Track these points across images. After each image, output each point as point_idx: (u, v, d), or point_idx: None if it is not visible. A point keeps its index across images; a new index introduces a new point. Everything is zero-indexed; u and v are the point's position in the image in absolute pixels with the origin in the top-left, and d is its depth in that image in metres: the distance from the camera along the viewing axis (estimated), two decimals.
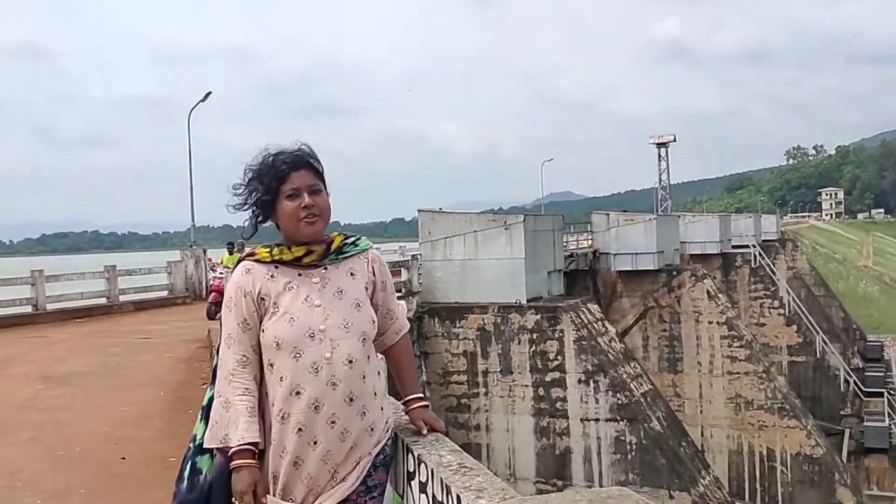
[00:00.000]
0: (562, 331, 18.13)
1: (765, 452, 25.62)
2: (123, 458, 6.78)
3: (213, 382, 2.57)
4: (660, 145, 71.57)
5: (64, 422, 8.16)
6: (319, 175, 2.58)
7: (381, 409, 2.57)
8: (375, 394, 2.52)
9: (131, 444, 7.21)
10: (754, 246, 36.59)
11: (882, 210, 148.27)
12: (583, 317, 18.56)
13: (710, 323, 26.94)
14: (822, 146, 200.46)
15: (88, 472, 6.37)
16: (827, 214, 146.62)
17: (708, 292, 27.10)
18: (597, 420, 17.72)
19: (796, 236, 68.78)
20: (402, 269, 21.32)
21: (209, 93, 27.84)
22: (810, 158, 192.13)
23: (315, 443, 2.40)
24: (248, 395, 2.44)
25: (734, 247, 37.48)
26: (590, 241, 28.37)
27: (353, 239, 2.66)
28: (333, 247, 2.57)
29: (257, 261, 2.55)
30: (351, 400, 2.44)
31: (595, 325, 18.70)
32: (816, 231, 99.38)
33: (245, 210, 2.61)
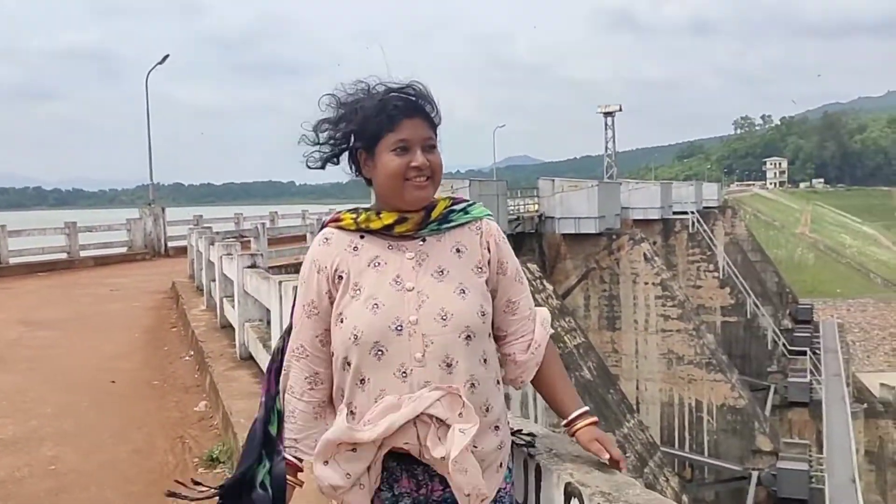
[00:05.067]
0: None
1: (693, 404, 27.49)
2: (113, 382, 7.90)
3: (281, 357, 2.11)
4: (606, 114, 73.24)
5: (54, 356, 9.21)
6: (435, 125, 2.00)
7: (497, 428, 1.95)
8: (487, 410, 1.91)
9: (118, 372, 8.32)
10: (693, 213, 38.21)
11: (822, 180, 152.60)
12: None
13: (647, 284, 28.52)
14: (769, 116, 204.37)
15: (85, 392, 7.48)
16: (771, 183, 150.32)
17: (645, 255, 28.65)
18: None
19: (740, 204, 71.15)
20: None
21: (167, 55, 28.27)
22: (757, 128, 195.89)
23: None
24: (299, 399, 2.03)
25: (675, 213, 38.91)
26: (536, 206, 29.64)
27: (463, 205, 2.05)
28: (435, 213, 1.99)
29: (340, 227, 2.01)
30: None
31: (534, 282, 20.09)
32: (760, 199, 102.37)
33: (333, 162, 2.06)
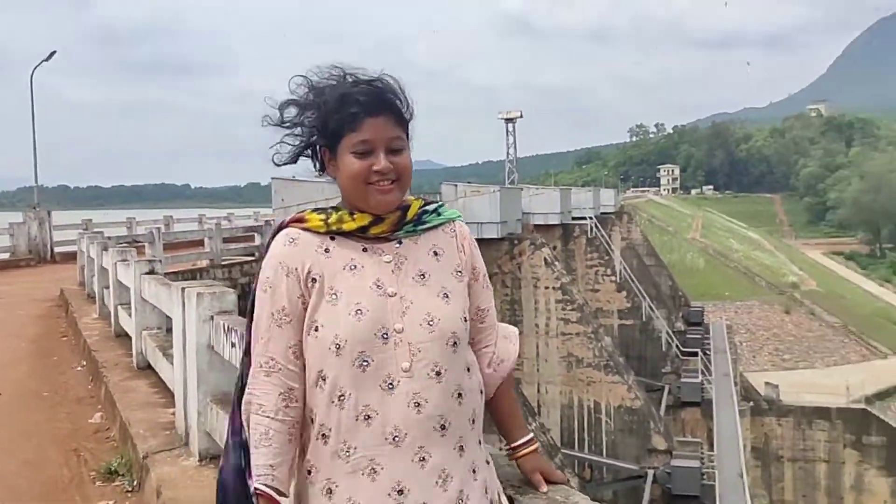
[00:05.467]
0: None
1: (592, 405, 28.13)
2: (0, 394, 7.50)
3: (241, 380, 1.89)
4: (507, 120, 74.27)
5: None
6: (404, 122, 1.85)
7: (480, 443, 1.86)
8: (474, 421, 1.82)
9: (4, 383, 7.90)
10: (591, 218, 39.16)
11: (712, 187, 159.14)
12: None
13: (547, 288, 29.06)
14: (662, 124, 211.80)
15: None
16: (665, 190, 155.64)
17: (545, 260, 29.18)
18: None
19: (636, 210, 73.27)
20: (256, 234, 21.98)
21: (54, 52, 27.15)
22: (651, 136, 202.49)
23: (400, 492, 1.68)
24: (271, 419, 1.76)
25: (574, 218, 39.78)
26: None
27: (434, 206, 1.94)
28: (410, 214, 1.87)
29: (307, 229, 1.83)
30: (443, 427, 1.73)
31: None
32: (654, 205, 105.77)
33: (306, 155, 1.91)
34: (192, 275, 15.43)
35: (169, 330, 6.47)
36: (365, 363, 1.69)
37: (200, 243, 19.82)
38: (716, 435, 31.89)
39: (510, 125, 74.19)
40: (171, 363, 5.59)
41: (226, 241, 19.50)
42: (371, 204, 1.80)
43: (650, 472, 26.49)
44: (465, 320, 1.82)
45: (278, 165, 1.90)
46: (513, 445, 2.03)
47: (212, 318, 4.33)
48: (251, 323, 1.85)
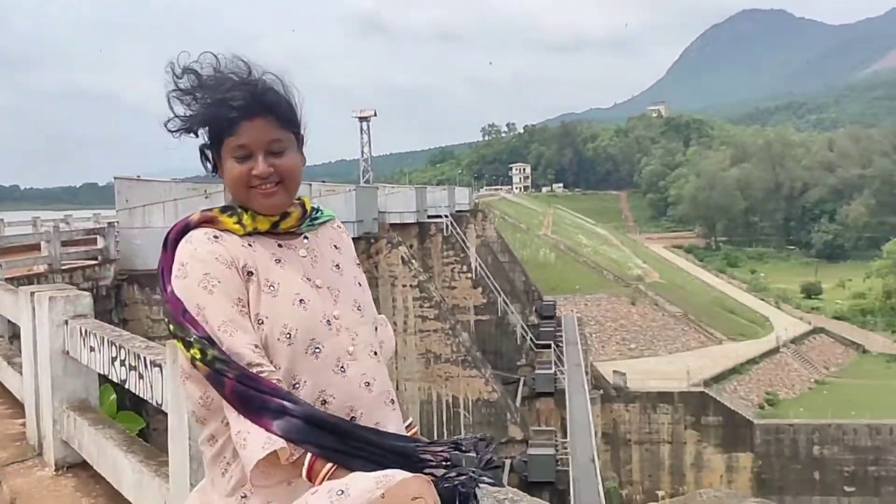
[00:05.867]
0: None
1: (450, 400, 28.68)
2: None
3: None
4: (362, 119, 74.13)
5: None
6: (286, 122, 1.82)
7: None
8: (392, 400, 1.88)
9: None
10: (447, 216, 39.72)
11: (562, 184, 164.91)
12: None
13: (405, 286, 29.34)
14: (513, 124, 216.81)
15: None
16: (516, 188, 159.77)
17: (402, 258, 29.45)
18: None
19: (489, 208, 74.80)
20: (99, 236, 21.00)
21: None
22: (503, 135, 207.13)
23: None
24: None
25: (430, 217, 40.13)
26: None
27: (315, 205, 1.97)
28: (308, 209, 1.91)
29: (223, 230, 1.79)
30: (392, 402, 1.84)
31: None
32: (507, 203, 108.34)
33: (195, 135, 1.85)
34: (28, 281, 14.66)
35: (15, 337, 6.20)
36: (317, 350, 1.73)
37: (37, 247, 18.77)
38: (569, 423, 33.25)
39: (364, 124, 74.15)
40: (20, 372, 5.38)
41: (65, 244, 18.57)
42: (256, 208, 1.79)
43: (507, 462, 27.29)
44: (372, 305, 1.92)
45: (172, 132, 1.82)
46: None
47: (66, 322, 4.23)
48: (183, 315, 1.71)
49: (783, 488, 44.41)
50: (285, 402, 1.64)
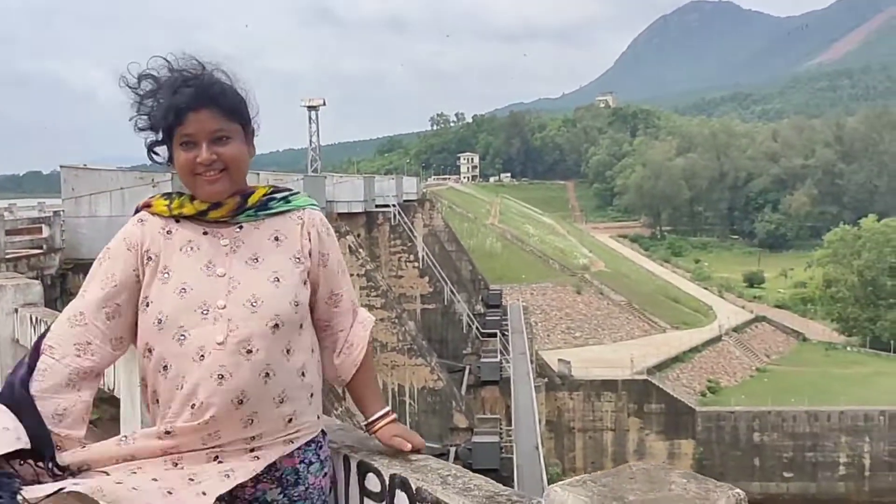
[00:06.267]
0: None
1: (396, 388, 28.95)
2: None
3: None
4: (310, 108, 73.40)
5: None
6: (231, 113, 1.94)
7: (290, 421, 1.91)
8: (282, 400, 1.88)
9: None
10: (394, 206, 39.83)
11: (509, 174, 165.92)
12: None
13: (352, 275, 29.37)
14: (462, 113, 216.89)
15: None
16: (465, 177, 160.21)
17: (350, 247, 29.49)
18: None
19: (437, 197, 74.86)
20: (44, 225, 20.70)
21: None
22: (452, 125, 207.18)
23: (176, 464, 1.83)
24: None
25: (378, 206, 40.15)
26: None
27: (284, 193, 2.03)
28: (252, 200, 1.97)
29: (154, 213, 1.97)
30: (240, 403, 1.82)
31: None
32: (455, 192, 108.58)
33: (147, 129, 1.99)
34: None
35: None
36: (182, 337, 1.83)
37: None
38: (513, 411, 33.69)
39: (313, 113, 73.45)
40: None
41: (9, 233, 18.29)
42: (200, 194, 1.93)
43: (452, 450, 27.67)
44: (297, 304, 1.92)
45: (140, 131, 1.98)
46: (369, 420, 2.08)
47: (16, 310, 4.28)
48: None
49: (723, 474, 45.31)
50: (14, 379, 1.85)
